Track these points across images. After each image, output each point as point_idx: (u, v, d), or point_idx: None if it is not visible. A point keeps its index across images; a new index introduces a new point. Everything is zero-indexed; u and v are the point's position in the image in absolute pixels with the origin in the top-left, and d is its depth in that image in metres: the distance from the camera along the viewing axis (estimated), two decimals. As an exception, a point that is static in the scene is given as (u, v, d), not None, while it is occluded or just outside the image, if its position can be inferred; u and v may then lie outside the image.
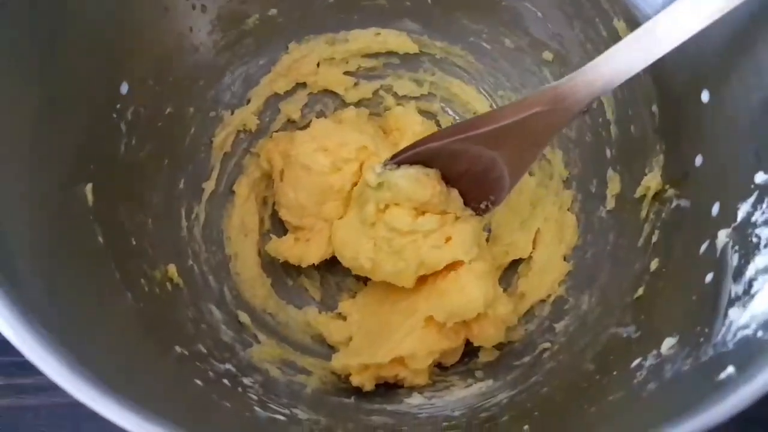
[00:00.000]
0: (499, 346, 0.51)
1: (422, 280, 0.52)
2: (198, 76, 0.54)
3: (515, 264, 0.57)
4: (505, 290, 0.54)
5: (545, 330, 0.51)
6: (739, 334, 0.31)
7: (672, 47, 0.39)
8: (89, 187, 0.42)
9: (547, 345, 0.49)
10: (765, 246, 0.34)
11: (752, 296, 0.33)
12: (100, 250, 0.41)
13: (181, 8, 0.50)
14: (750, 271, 0.34)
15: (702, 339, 0.33)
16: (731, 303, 0.33)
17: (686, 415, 0.26)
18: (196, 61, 0.53)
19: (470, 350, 0.52)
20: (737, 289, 0.34)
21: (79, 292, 0.37)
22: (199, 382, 0.39)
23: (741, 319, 0.32)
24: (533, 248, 0.56)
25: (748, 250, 0.35)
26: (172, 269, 0.48)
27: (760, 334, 0.30)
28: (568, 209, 0.56)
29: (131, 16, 0.47)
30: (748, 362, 0.28)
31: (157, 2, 0.48)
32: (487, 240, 0.57)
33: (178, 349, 0.41)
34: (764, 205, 0.35)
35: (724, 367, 0.29)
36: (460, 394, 0.48)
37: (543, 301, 0.53)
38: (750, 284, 0.33)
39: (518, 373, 0.48)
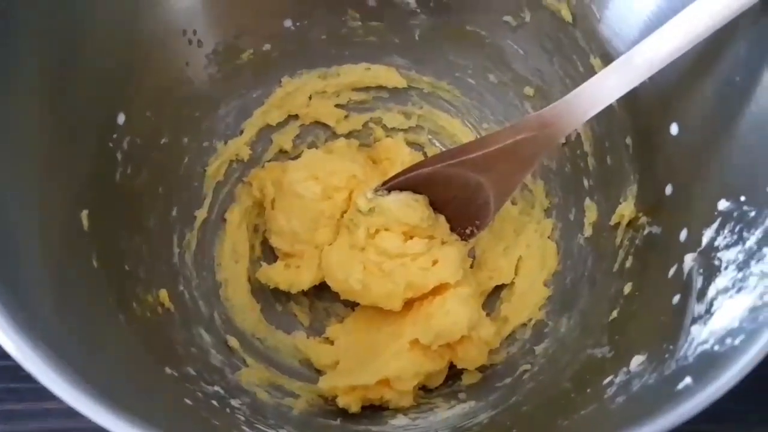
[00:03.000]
0: (482, 369, 0.52)
1: (409, 305, 0.53)
2: (193, 108, 0.55)
3: (498, 289, 0.58)
4: (488, 314, 0.55)
5: (526, 352, 0.52)
6: (699, 349, 0.33)
7: (646, 76, 0.42)
8: (85, 213, 0.43)
9: (527, 366, 0.50)
10: (725, 268, 0.36)
11: (712, 314, 0.35)
12: (95, 273, 0.42)
13: (178, 43, 0.52)
14: (711, 292, 0.36)
15: (667, 355, 0.35)
16: (694, 321, 0.35)
17: (645, 420, 0.28)
18: (192, 94, 0.55)
19: (454, 373, 0.53)
20: (700, 308, 0.36)
21: (78, 311, 0.38)
22: (188, 401, 0.40)
23: (701, 336, 0.34)
24: (516, 274, 0.57)
25: (711, 272, 0.37)
26: (163, 294, 0.49)
27: (716, 348, 0.32)
28: (548, 237, 0.57)
29: (131, 49, 0.49)
30: (703, 373, 0.30)
31: (155, 38, 0.50)
32: (472, 266, 0.58)
33: (168, 370, 0.42)
34: (725, 231, 0.38)
35: (682, 378, 0.31)
36: (444, 415, 0.49)
37: (524, 324, 0.55)
38: (711, 303, 0.35)
39: (499, 394, 0.49)
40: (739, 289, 0.34)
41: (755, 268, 0.34)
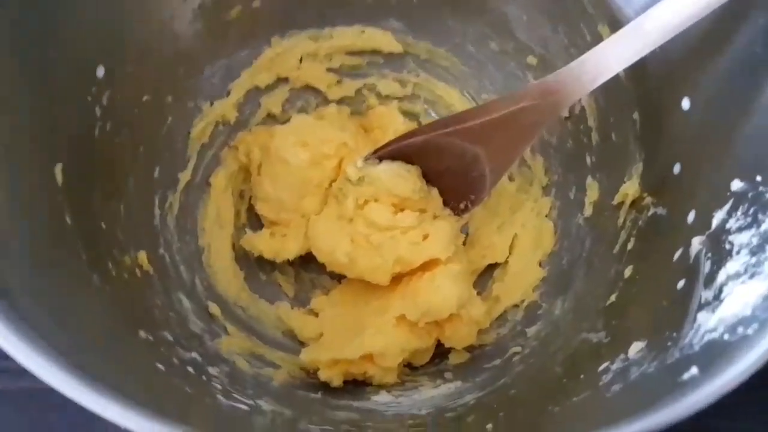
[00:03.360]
0: (470, 349, 0.51)
1: (397, 279, 0.52)
2: (178, 65, 0.53)
3: (491, 268, 0.56)
4: (479, 294, 0.54)
5: (517, 334, 0.51)
6: (706, 337, 0.31)
7: (658, 44, 0.40)
8: (59, 167, 0.41)
9: (518, 349, 0.49)
10: (737, 252, 0.34)
11: (721, 301, 0.33)
12: (67, 230, 0.40)
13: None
14: (721, 277, 0.34)
15: (669, 343, 0.33)
16: (701, 307, 0.33)
17: (646, 412, 0.26)
18: (176, 50, 0.52)
19: (441, 352, 0.52)
20: (707, 294, 0.34)
21: (47, 270, 0.36)
22: (161, 366, 0.38)
23: (709, 323, 0.32)
24: (510, 253, 0.56)
25: (721, 257, 0.35)
26: (142, 256, 0.48)
27: (726, 336, 0.30)
28: (546, 215, 0.55)
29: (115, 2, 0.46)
30: (711, 363, 0.28)
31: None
32: (465, 243, 0.57)
33: (142, 334, 0.40)
34: (739, 213, 0.36)
35: (688, 368, 0.29)
36: (429, 394, 0.47)
37: (517, 305, 0.53)
38: (720, 289, 0.33)
39: (487, 376, 0.47)
40: (753, 275, 0.32)
41: (773, 252, 0.32)
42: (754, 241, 0.34)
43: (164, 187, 0.53)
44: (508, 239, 0.56)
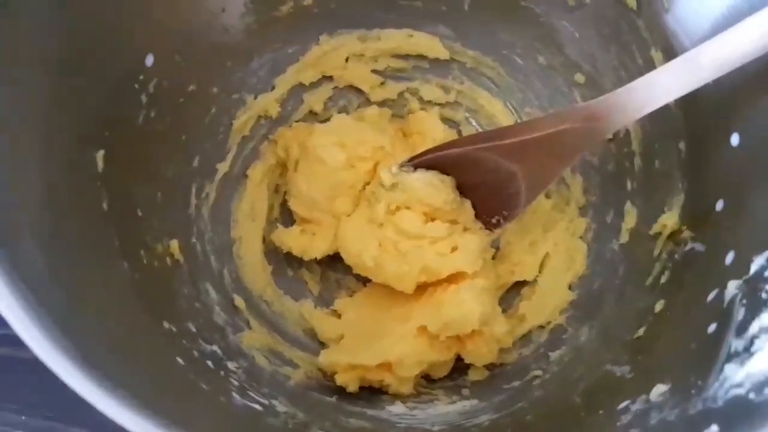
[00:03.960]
0: (490, 367, 0.51)
1: (422, 289, 0.51)
2: (225, 57, 0.54)
3: (519, 285, 0.56)
4: (505, 311, 0.53)
5: (539, 357, 0.50)
6: (731, 392, 0.30)
7: (712, 78, 0.38)
8: (101, 153, 0.42)
9: (538, 372, 0.48)
10: (773, 303, 0.33)
11: (752, 354, 0.31)
12: (102, 216, 0.41)
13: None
14: (754, 328, 0.32)
15: (694, 391, 0.32)
16: (729, 358, 0.32)
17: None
18: (225, 42, 0.53)
19: (460, 367, 0.51)
20: (738, 344, 0.32)
21: (74, 254, 0.37)
22: (180, 360, 0.39)
23: (736, 377, 0.30)
24: (539, 272, 0.55)
25: (757, 305, 0.34)
26: (174, 244, 0.48)
27: (752, 396, 0.29)
28: (580, 237, 0.55)
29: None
30: (733, 423, 0.27)
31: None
32: (495, 257, 0.56)
33: (166, 324, 0.41)
34: (780, 261, 0.34)
35: (708, 425, 0.28)
36: (443, 410, 0.47)
37: (542, 327, 0.52)
38: (752, 341, 0.32)
39: (505, 397, 0.47)
40: (788, 331, 0.31)
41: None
42: (794, 294, 0.32)
43: (202, 176, 0.54)
44: (539, 258, 0.55)
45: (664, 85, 0.40)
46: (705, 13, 0.43)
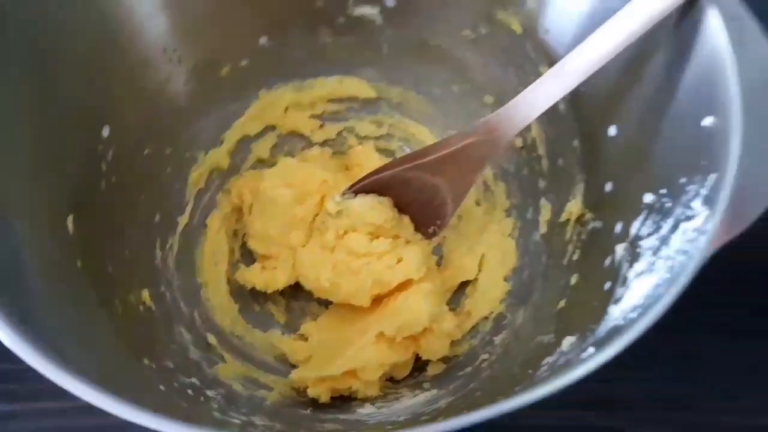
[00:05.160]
0: (445, 360, 0.55)
1: (377, 301, 0.56)
2: (175, 121, 0.58)
3: (464, 285, 0.61)
4: (454, 309, 0.58)
5: (486, 343, 0.55)
6: (610, 325, 0.36)
7: (578, 82, 0.44)
8: (71, 218, 0.46)
9: (486, 356, 0.53)
10: (644, 255, 0.40)
11: (625, 294, 0.38)
12: (78, 273, 0.45)
13: (159, 61, 0.55)
14: (630, 275, 0.39)
15: (588, 334, 0.38)
16: (615, 303, 0.38)
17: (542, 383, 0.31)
18: (174, 108, 0.57)
19: (420, 365, 0.56)
20: (620, 291, 0.39)
21: (61, 302, 0.41)
22: (162, 387, 0.43)
23: (615, 314, 0.37)
24: (479, 271, 0.60)
25: (633, 259, 0.40)
26: (145, 293, 0.52)
27: (621, 322, 0.35)
28: (509, 235, 0.61)
29: (118, 67, 0.52)
30: (604, 343, 0.33)
31: (139, 57, 0.53)
32: (439, 264, 0.62)
33: (146, 361, 0.45)
34: (648, 221, 0.41)
35: (587, 349, 0.34)
36: (408, 403, 0.51)
37: (486, 318, 0.57)
38: (628, 286, 0.39)
39: (460, 383, 0.51)
40: (651, 271, 0.37)
41: (664, 251, 0.37)
42: (656, 243, 0.39)
43: (165, 230, 0.57)
44: (477, 258, 0.60)
45: (541, 95, 0.46)
46: (571, 29, 0.50)
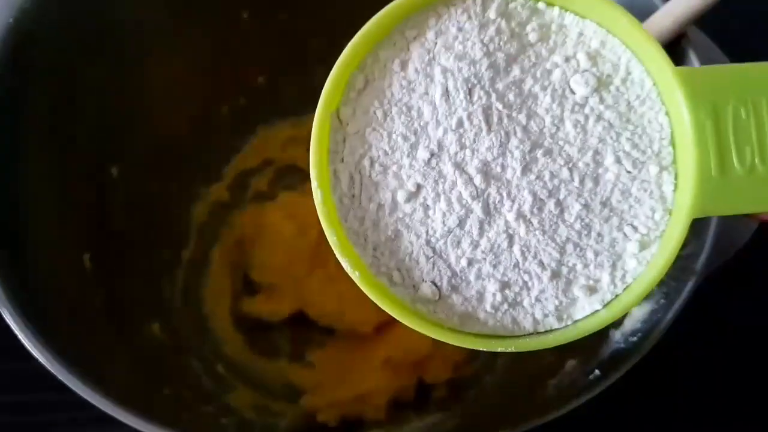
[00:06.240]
0: (450, 383, 0.57)
1: (382, 328, 0.59)
2: (179, 158, 0.61)
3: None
4: (455, 333, 0.61)
5: (489, 366, 0.57)
6: (613, 347, 0.39)
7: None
8: (87, 256, 0.49)
9: (489, 378, 0.55)
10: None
11: (624, 318, 0.41)
12: (98, 311, 0.48)
13: (162, 108, 0.58)
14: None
15: (591, 356, 0.41)
16: (614, 326, 0.41)
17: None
18: (177, 146, 0.60)
19: (426, 389, 0.57)
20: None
21: (92, 338, 0.44)
22: (184, 414, 0.45)
23: (615, 337, 0.40)
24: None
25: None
26: (155, 327, 0.54)
27: (623, 345, 0.38)
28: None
29: (125, 114, 0.55)
30: (609, 364, 0.36)
31: (142, 103, 0.56)
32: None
33: (166, 391, 0.47)
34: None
35: (592, 371, 0.37)
36: (415, 426, 0.53)
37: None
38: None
39: (464, 404, 0.54)
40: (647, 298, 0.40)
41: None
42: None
43: (171, 264, 0.59)
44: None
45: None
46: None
